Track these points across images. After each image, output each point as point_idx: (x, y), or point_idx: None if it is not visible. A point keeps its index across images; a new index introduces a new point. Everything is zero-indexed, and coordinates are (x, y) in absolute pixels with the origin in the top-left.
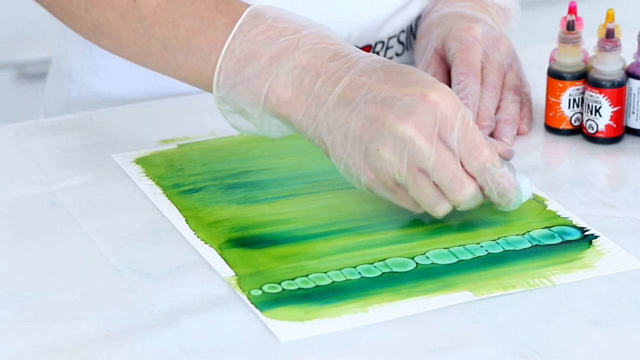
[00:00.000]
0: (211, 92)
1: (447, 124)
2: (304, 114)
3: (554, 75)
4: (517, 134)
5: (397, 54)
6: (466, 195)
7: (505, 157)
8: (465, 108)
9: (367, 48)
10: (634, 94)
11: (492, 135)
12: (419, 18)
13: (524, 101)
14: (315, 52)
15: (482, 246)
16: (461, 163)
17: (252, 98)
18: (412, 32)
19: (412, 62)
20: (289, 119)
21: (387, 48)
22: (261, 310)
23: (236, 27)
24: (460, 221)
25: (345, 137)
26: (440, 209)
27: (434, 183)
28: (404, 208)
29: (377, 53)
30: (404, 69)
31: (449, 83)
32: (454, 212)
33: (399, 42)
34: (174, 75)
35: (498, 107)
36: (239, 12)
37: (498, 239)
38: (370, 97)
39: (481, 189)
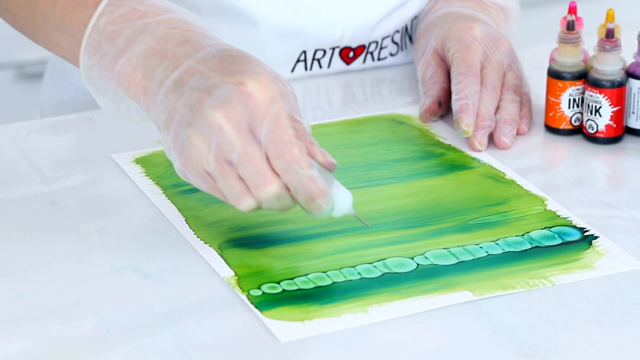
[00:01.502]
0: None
1: (258, 116)
2: (148, 97)
3: (554, 75)
4: (517, 134)
5: (391, 54)
6: (269, 192)
7: (327, 168)
8: (282, 104)
9: (361, 48)
10: (634, 94)
11: (491, 135)
12: (415, 19)
13: (524, 101)
14: (166, 36)
15: (481, 247)
16: (269, 160)
17: (107, 79)
18: (407, 32)
19: (408, 62)
20: (138, 101)
21: (381, 48)
22: (261, 310)
23: (100, 7)
24: (459, 222)
25: (170, 122)
26: (244, 204)
27: (240, 176)
28: (403, 208)
29: (371, 53)
30: (239, 59)
31: (449, 83)
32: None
33: (393, 42)
34: (56, 52)
35: (498, 107)
36: None
37: (497, 239)
38: (198, 83)
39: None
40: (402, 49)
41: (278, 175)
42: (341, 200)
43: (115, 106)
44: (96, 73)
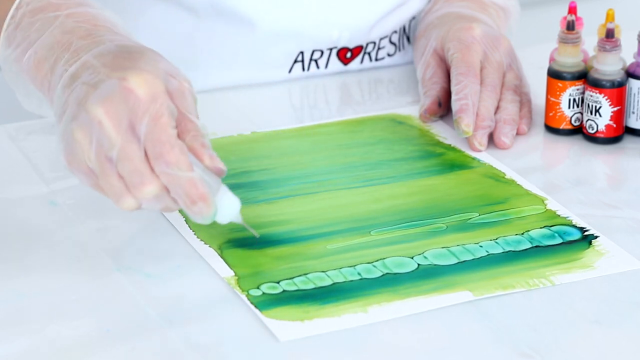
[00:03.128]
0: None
1: (139, 113)
2: (49, 90)
3: (554, 75)
4: (517, 134)
5: (389, 55)
6: (147, 192)
7: (215, 172)
8: (165, 101)
9: (359, 49)
10: (634, 94)
11: (491, 135)
12: (413, 19)
13: (524, 101)
14: (72, 30)
15: (481, 246)
16: (148, 159)
17: (18, 70)
18: (405, 32)
19: (405, 63)
20: (43, 94)
21: (379, 49)
22: (261, 310)
23: None
24: (459, 221)
25: (62, 116)
26: (125, 203)
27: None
28: (403, 207)
29: (369, 54)
30: (133, 55)
31: (448, 83)
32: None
33: (391, 42)
34: None
35: (498, 107)
36: None
37: (497, 239)
38: (89, 78)
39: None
40: (399, 50)
41: (157, 175)
42: (226, 206)
43: (28, 99)
44: (9, 65)
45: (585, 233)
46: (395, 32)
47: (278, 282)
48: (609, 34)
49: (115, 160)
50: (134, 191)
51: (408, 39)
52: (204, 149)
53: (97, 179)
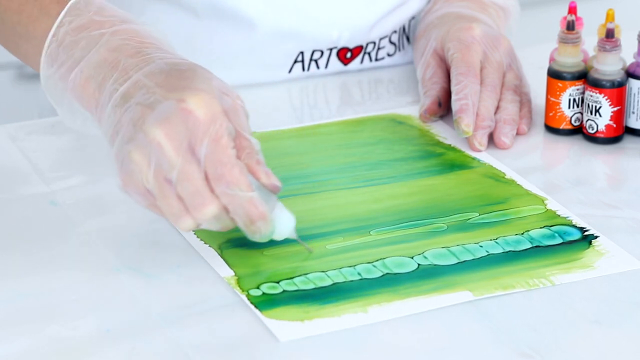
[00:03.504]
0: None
1: (198, 135)
2: (99, 109)
3: (554, 75)
4: (517, 134)
5: (388, 55)
6: (207, 213)
7: (271, 190)
8: (224, 122)
9: (358, 49)
10: (634, 94)
11: (491, 135)
12: (412, 19)
13: (524, 101)
14: (119, 48)
15: (481, 246)
16: (208, 180)
17: (62, 89)
18: (404, 32)
19: (405, 63)
20: (90, 112)
21: (379, 48)
22: (261, 310)
23: (60, 17)
24: (459, 221)
25: (115, 136)
26: (184, 224)
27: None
28: (403, 207)
29: (369, 54)
30: (186, 73)
31: (448, 83)
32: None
33: (391, 42)
34: (25, 61)
35: (497, 107)
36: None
37: (497, 239)
38: (143, 98)
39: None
40: (399, 50)
41: (217, 196)
42: (283, 223)
43: (72, 117)
44: (53, 83)
45: (585, 233)
46: (395, 32)
47: (278, 282)
48: (609, 34)
49: (175, 182)
50: (194, 212)
51: (408, 39)
52: (259, 166)
53: (154, 199)
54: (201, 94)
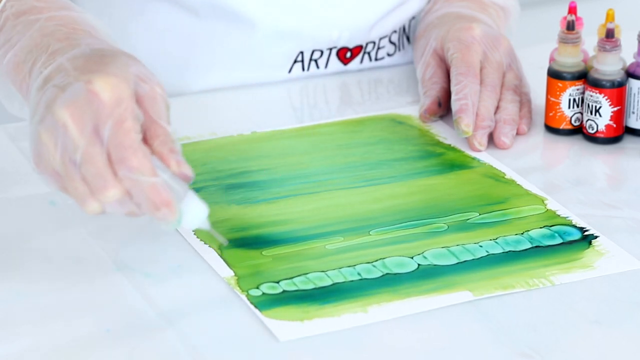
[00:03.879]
0: None
1: (102, 117)
2: (27, 92)
3: (554, 75)
4: (517, 134)
5: (388, 54)
6: (109, 197)
7: (182, 179)
8: (129, 106)
9: (358, 48)
10: (634, 94)
11: (491, 135)
12: (412, 19)
13: (524, 101)
14: (52, 33)
15: (481, 246)
16: (111, 164)
17: (1, 72)
18: (404, 32)
19: (405, 63)
20: (22, 97)
21: (379, 48)
22: (260, 310)
23: (3, 2)
24: (459, 221)
25: (31, 119)
26: (89, 207)
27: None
28: (403, 207)
29: (369, 53)
30: (106, 58)
31: (448, 83)
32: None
33: (391, 42)
34: None
35: (497, 107)
36: None
37: (497, 238)
38: (60, 81)
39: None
40: (399, 49)
41: (120, 179)
42: (193, 213)
43: (9, 101)
44: None
45: (585, 233)
46: (395, 31)
47: (278, 282)
48: (609, 34)
49: (79, 163)
50: (97, 194)
51: (408, 38)
52: (172, 154)
53: (63, 181)
54: (110, 77)
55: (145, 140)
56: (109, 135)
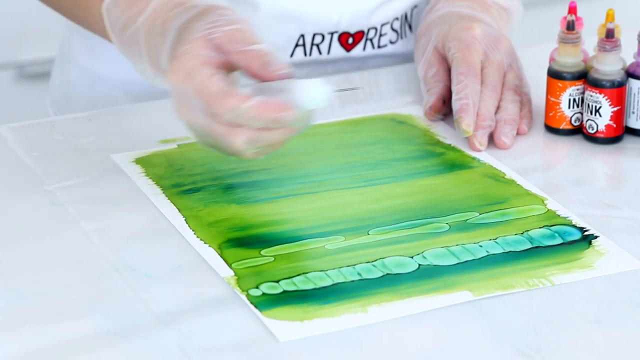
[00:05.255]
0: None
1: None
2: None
3: (554, 75)
4: (517, 134)
5: (391, 42)
6: (240, 144)
7: (287, 77)
8: (200, 74)
9: (360, 34)
10: (634, 94)
11: (491, 135)
12: (415, 7)
13: (524, 101)
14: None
15: (481, 246)
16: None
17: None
18: (406, 20)
19: (408, 52)
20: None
21: (380, 35)
22: (260, 310)
23: None
24: (459, 221)
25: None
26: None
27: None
28: (403, 207)
29: (371, 40)
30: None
31: (449, 83)
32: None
33: (393, 29)
34: (81, 21)
35: (498, 107)
36: None
37: (497, 238)
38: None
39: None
40: (401, 37)
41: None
42: (312, 94)
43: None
44: (133, 33)
45: (585, 233)
46: (397, 19)
47: (278, 282)
48: (609, 34)
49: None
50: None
51: (410, 27)
52: (265, 67)
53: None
54: (176, 68)
55: (253, 74)
56: (205, 102)
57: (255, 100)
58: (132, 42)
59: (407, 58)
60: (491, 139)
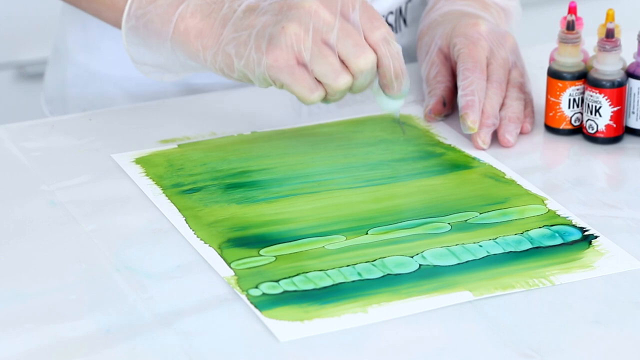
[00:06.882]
0: (120, 24)
1: (349, 3)
2: (209, 37)
3: (554, 75)
4: (521, 132)
5: None
6: (368, 61)
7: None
8: None
9: None
10: (634, 94)
11: (495, 132)
12: (409, 2)
13: (527, 100)
14: None
15: (481, 246)
16: (366, 35)
17: (163, 24)
18: (401, 14)
19: (402, 46)
20: (194, 45)
21: None
22: (260, 310)
23: None
24: (459, 221)
25: (249, 37)
26: (342, 81)
27: (337, 57)
28: (403, 207)
29: None
30: None
31: (453, 82)
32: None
33: (387, 23)
34: (89, 7)
35: (502, 105)
36: None
37: (497, 238)
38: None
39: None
40: (396, 32)
41: (373, 46)
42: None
43: (169, 55)
44: (149, 20)
45: (585, 233)
46: (392, 13)
47: (278, 282)
48: (609, 34)
49: (335, 40)
50: (357, 62)
51: (404, 21)
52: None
53: (302, 72)
54: None
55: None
56: (361, 12)
57: (400, 50)
58: (161, 20)
59: (402, 52)
60: (494, 136)
